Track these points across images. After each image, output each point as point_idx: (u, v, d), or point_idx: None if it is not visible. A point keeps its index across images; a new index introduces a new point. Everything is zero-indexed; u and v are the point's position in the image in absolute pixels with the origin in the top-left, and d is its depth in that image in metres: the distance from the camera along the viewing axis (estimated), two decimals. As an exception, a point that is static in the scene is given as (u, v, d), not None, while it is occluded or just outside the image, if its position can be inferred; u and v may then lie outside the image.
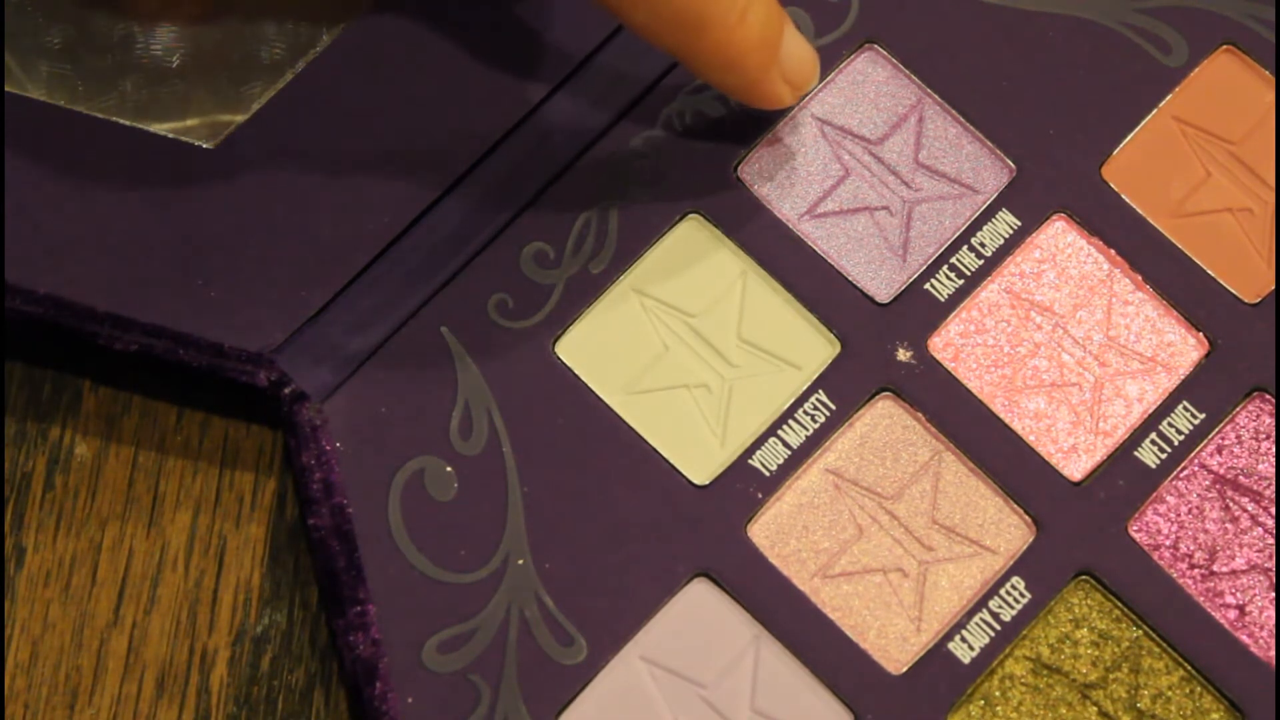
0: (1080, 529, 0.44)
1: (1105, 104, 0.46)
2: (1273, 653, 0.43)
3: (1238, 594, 0.43)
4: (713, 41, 0.42)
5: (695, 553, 0.44)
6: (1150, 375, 0.45)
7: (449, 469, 0.44)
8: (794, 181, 0.46)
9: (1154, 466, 0.44)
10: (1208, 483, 0.44)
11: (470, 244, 0.45)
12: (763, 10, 0.42)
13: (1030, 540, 0.44)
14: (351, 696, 0.43)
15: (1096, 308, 0.45)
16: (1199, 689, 0.43)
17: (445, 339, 0.45)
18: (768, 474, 0.44)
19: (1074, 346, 0.45)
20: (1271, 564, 0.43)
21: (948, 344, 0.45)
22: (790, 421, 0.44)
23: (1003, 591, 0.43)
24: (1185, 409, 0.44)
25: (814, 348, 0.45)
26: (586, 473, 0.44)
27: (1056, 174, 0.46)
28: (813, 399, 0.45)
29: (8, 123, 0.45)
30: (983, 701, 0.43)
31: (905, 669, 0.43)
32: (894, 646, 0.43)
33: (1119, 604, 0.43)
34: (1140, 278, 0.45)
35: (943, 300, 0.45)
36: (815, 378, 0.45)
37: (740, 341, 0.45)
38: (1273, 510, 0.44)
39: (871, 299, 0.45)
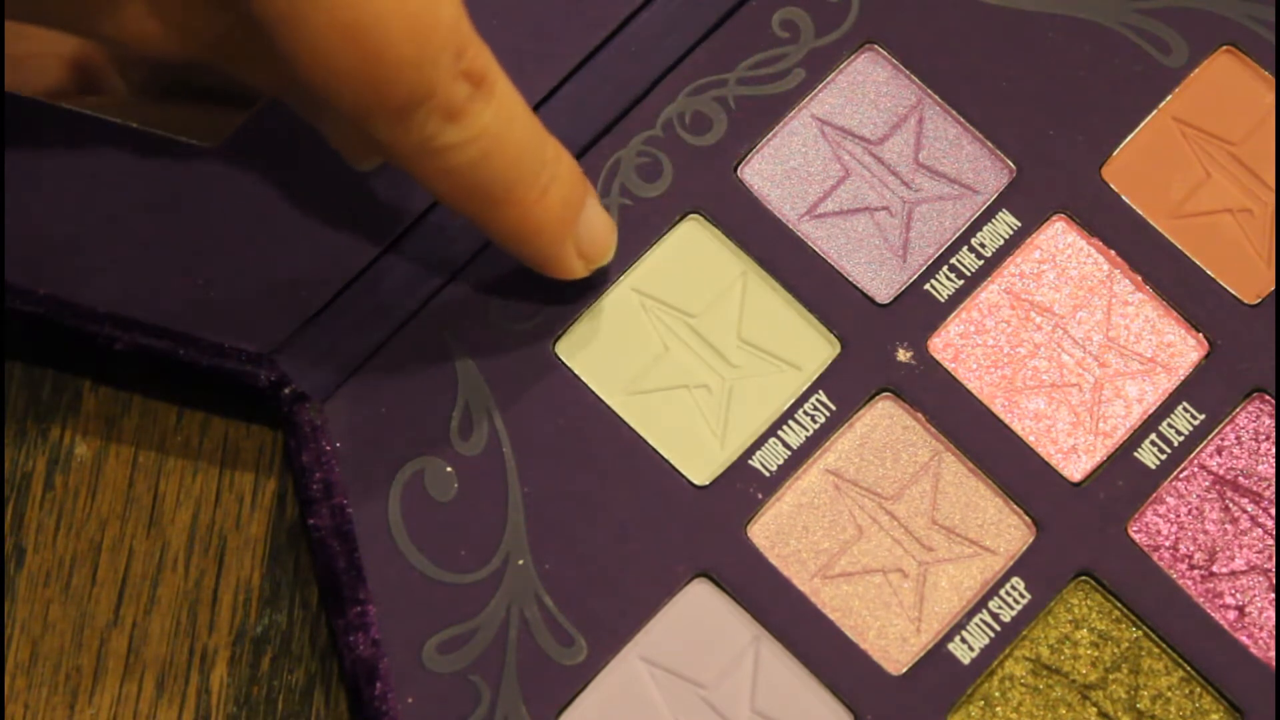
0: (1080, 530, 0.44)
1: (1105, 104, 0.46)
2: (1272, 653, 0.43)
3: (1237, 595, 0.43)
4: (510, 216, 0.41)
5: (695, 553, 0.44)
6: (1150, 376, 0.45)
7: (449, 469, 0.44)
8: (794, 181, 0.46)
9: (1154, 467, 0.44)
10: (1207, 484, 0.44)
11: (470, 243, 0.45)
12: (564, 187, 0.41)
13: (1030, 541, 0.44)
14: (351, 696, 0.43)
15: (1096, 308, 0.45)
16: (1199, 690, 0.43)
17: (445, 339, 0.45)
18: (768, 474, 0.44)
19: (1074, 347, 0.45)
20: (1271, 565, 0.43)
21: (948, 344, 0.45)
22: (790, 422, 0.44)
23: (1002, 592, 0.43)
24: (1185, 410, 0.44)
25: (814, 348, 0.45)
26: (586, 473, 0.44)
27: (1056, 174, 0.46)
28: (813, 399, 0.45)
29: (8, 123, 0.45)
30: (982, 702, 0.43)
31: (905, 669, 0.43)
32: (894, 647, 0.43)
33: (1119, 605, 0.43)
34: (1140, 278, 0.45)
35: (943, 301, 0.45)
36: (815, 378, 0.45)
37: (740, 342, 0.45)
38: (1272, 511, 0.44)
39: (871, 299, 0.45)
